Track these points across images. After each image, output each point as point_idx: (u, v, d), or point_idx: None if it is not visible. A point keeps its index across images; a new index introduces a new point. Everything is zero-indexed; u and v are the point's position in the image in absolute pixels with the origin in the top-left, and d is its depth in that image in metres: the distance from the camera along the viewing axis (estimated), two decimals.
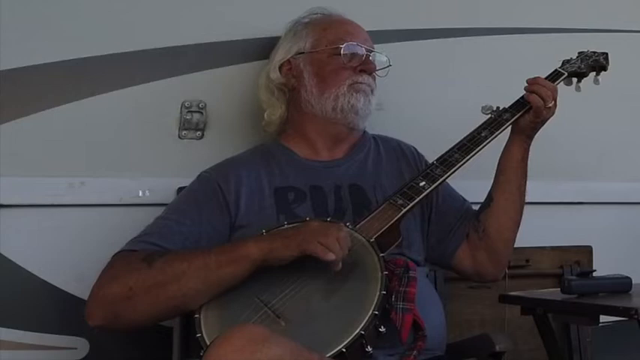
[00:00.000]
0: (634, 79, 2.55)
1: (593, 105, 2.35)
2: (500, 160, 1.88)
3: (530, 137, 1.86)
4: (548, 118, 1.84)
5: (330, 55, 1.87)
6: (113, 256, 1.68)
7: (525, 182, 1.87)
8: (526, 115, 1.83)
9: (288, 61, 1.90)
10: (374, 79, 1.90)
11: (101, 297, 1.62)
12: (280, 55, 1.92)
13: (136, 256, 1.63)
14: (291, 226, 1.65)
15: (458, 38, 2.34)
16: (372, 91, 1.87)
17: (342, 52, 1.85)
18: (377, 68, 1.91)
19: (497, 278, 1.96)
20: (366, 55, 1.88)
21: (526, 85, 1.84)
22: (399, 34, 2.24)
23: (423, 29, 2.29)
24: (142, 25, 1.99)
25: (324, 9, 1.94)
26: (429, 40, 2.29)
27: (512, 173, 1.86)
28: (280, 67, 1.91)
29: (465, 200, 1.96)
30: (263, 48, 2.04)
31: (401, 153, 1.95)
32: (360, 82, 1.86)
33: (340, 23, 1.91)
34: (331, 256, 1.50)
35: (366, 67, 1.87)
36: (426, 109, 2.25)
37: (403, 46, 2.24)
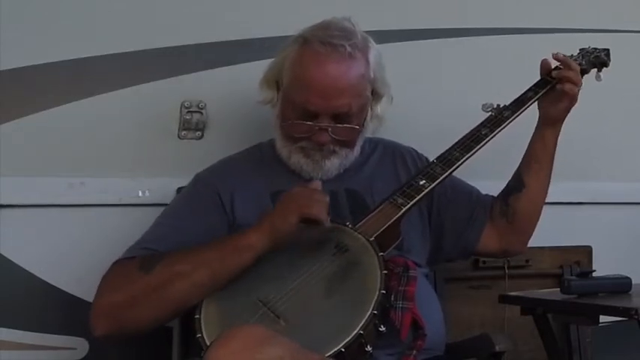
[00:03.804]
0: (634, 80, 2.56)
1: (593, 105, 2.34)
2: (532, 148, 1.90)
3: (562, 123, 1.89)
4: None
5: (294, 106, 1.76)
6: (112, 264, 1.68)
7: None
8: (559, 104, 1.85)
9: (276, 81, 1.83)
10: (350, 139, 1.78)
11: (105, 308, 1.62)
12: (272, 69, 1.84)
13: (133, 264, 1.63)
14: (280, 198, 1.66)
15: (458, 38, 2.34)
16: (333, 152, 1.77)
17: (293, 119, 1.75)
18: (340, 136, 1.76)
19: (523, 251, 2.04)
20: (319, 128, 1.74)
21: (555, 72, 1.87)
22: (399, 34, 2.24)
23: (423, 29, 2.29)
24: (142, 25, 1.99)
25: (325, 38, 1.73)
26: (428, 40, 2.29)
27: (546, 160, 1.90)
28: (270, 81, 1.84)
29: (472, 188, 1.97)
30: (263, 48, 2.04)
31: (400, 157, 1.94)
32: (311, 149, 1.77)
33: (313, 82, 1.71)
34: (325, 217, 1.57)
35: (315, 139, 1.75)
36: (426, 109, 2.25)
37: (403, 46, 2.24)
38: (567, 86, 1.84)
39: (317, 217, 1.57)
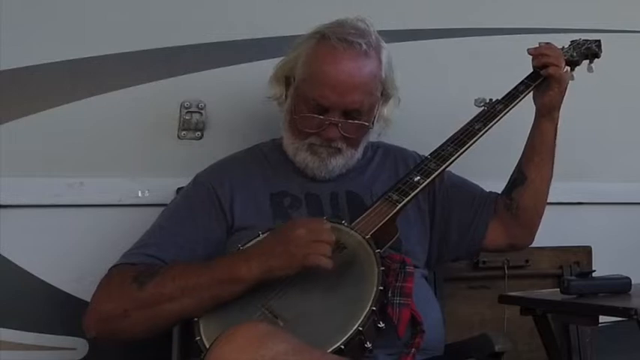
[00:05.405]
0: (634, 79, 2.56)
1: (592, 105, 2.35)
2: (532, 141, 1.89)
3: (559, 110, 1.88)
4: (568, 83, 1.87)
5: (306, 101, 1.76)
6: (110, 268, 1.68)
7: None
8: (549, 91, 1.84)
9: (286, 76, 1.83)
10: (358, 137, 1.80)
11: (97, 313, 1.62)
12: (284, 65, 1.84)
13: (130, 274, 1.62)
14: (277, 229, 1.61)
15: (458, 38, 2.34)
16: (339, 151, 1.78)
17: (304, 113, 1.76)
18: (348, 134, 1.76)
19: (530, 243, 2.00)
20: (330, 122, 1.74)
21: (535, 61, 1.86)
22: (400, 34, 2.24)
23: (423, 29, 2.29)
24: (142, 25, 1.99)
25: (341, 34, 1.75)
26: (429, 40, 2.29)
27: (547, 152, 1.89)
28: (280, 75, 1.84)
29: (476, 186, 1.98)
30: (263, 48, 2.04)
31: (402, 160, 1.94)
32: (319, 145, 1.77)
33: (328, 77, 1.73)
34: (330, 265, 1.52)
35: (325, 134, 1.76)
36: (426, 109, 2.25)
37: (403, 46, 2.24)
38: (551, 69, 1.84)
39: (320, 267, 1.53)
